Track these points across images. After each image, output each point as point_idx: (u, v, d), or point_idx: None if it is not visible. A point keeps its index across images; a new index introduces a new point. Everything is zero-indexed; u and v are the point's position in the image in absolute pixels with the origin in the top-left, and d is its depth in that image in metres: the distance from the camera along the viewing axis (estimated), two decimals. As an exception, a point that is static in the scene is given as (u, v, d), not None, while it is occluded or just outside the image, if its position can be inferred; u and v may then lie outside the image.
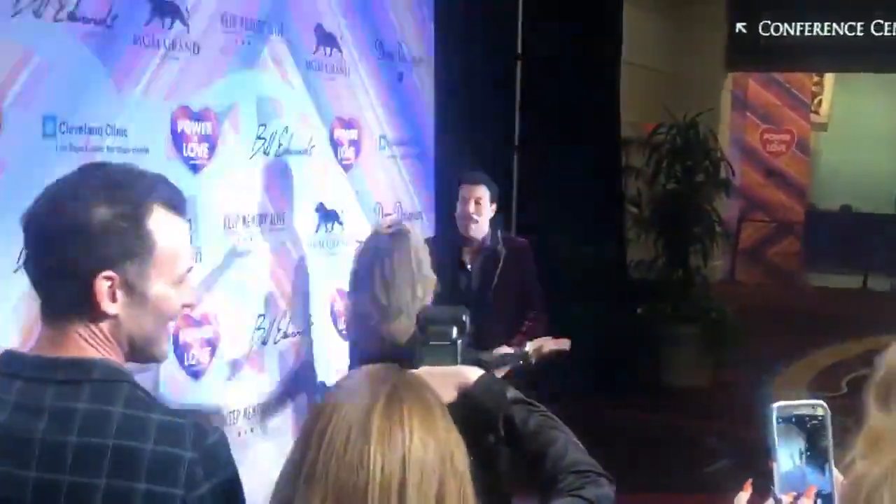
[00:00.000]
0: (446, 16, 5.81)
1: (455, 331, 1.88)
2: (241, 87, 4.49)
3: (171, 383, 4.11)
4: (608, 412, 6.92)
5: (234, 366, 4.50)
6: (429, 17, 5.78)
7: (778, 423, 1.46)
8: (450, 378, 1.78)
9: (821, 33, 9.45)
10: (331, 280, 5.06)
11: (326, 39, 4.99)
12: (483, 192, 4.71)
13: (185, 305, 1.68)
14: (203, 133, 4.29)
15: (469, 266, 4.74)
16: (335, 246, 5.11)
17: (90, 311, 1.58)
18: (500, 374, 3.91)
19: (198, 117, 4.26)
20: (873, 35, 9.19)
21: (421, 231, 4.76)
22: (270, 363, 4.74)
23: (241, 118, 4.50)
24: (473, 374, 1.81)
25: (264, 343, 4.69)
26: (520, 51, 6.77)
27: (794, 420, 1.46)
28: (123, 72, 3.89)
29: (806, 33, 9.49)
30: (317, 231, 5.00)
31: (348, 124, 5.20)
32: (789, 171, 12.19)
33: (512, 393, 1.80)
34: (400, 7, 5.56)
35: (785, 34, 9.53)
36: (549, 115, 6.73)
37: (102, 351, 1.60)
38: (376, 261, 3.55)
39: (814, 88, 12.29)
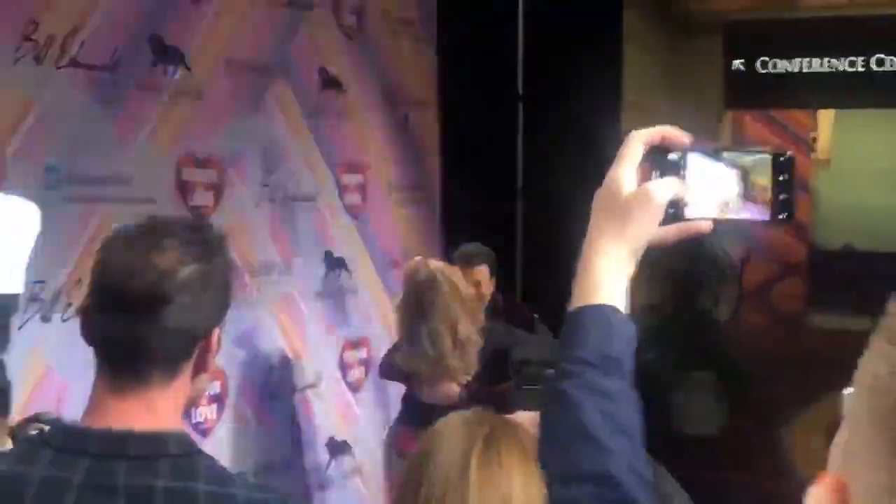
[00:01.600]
0: (448, 57, 5.70)
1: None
2: (245, 133, 4.37)
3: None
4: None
5: (242, 422, 4.34)
6: (432, 59, 5.67)
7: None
8: None
9: (820, 69, 9.36)
10: (340, 330, 4.90)
11: (331, 83, 4.88)
12: (482, 273, 4.36)
13: None
14: (208, 181, 4.16)
15: None
16: (343, 295, 4.96)
17: (194, 369, 1.48)
18: None
19: (203, 164, 4.13)
20: (873, 70, 9.11)
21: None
22: (279, 419, 4.57)
23: (246, 164, 4.38)
24: None
25: (273, 398, 4.53)
26: (521, 92, 6.65)
27: None
28: (127, 119, 3.79)
29: (804, 70, 9.40)
30: (324, 280, 4.85)
31: (354, 169, 5.07)
32: (791, 210, 12.10)
33: None
34: (403, 49, 5.46)
35: (784, 71, 9.43)
36: (552, 157, 6.60)
37: (173, 419, 1.47)
38: (407, 322, 3.81)
39: (811, 126, 12.23)
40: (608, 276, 1.16)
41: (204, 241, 1.49)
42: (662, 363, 8.02)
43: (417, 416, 4.06)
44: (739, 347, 8.57)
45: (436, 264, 4.00)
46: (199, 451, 1.48)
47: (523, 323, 4.41)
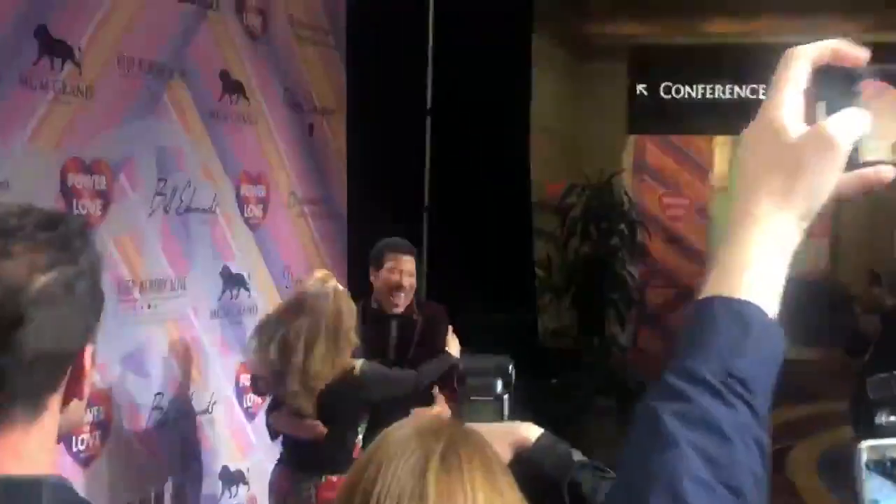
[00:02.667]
0: (358, 65, 5.45)
1: (500, 384, 1.58)
2: (138, 137, 4.06)
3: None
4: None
5: (128, 451, 3.99)
6: (340, 67, 5.41)
7: (868, 467, 1.17)
8: (503, 435, 1.48)
9: (722, 96, 9.40)
10: (236, 352, 4.58)
11: (232, 86, 4.58)
12: (412, 263, 4.30)
13: None
14: (96, 188, 3.83)
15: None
16: (241, 314, 4.65)
17: (65, 396, 1.18)
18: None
19: (90, 170, 3.79)
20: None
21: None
22: (169, 446, 4.23)
23: (139, 171, 4.06)
24: (532, 431, 1.53)
25: (162, 425, 4.18)
26: (429, 106, 6.44)
27: (889, 465, 1.17)
28: (8, 117, 3.45)
29: (707, 96, 9.43)
30: (221, 297, 4.53)
31: (256, 179, 4.78)
32: (689, 236, 12.16)
33: (578, 455, 1.51)
34: (310, 55, 5.18)
35: (686, 97, 9.45)
36: (459, 175, 6.42)
37: (46, 462, 1.17)
38: (273, 320, 3.74)
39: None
40: (763, 252, 0.85)
41: (62, 237, 1.19)
42: (568, 388, 7.90)
43: (290, 455, 3.94)
44: (638, 371, 8.51)
45: (335, 285, 3.79)
46: (83, 501, 1.19)
47: (442, 318, 4.33)
